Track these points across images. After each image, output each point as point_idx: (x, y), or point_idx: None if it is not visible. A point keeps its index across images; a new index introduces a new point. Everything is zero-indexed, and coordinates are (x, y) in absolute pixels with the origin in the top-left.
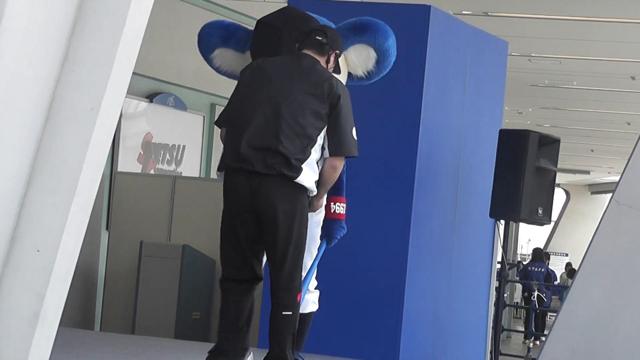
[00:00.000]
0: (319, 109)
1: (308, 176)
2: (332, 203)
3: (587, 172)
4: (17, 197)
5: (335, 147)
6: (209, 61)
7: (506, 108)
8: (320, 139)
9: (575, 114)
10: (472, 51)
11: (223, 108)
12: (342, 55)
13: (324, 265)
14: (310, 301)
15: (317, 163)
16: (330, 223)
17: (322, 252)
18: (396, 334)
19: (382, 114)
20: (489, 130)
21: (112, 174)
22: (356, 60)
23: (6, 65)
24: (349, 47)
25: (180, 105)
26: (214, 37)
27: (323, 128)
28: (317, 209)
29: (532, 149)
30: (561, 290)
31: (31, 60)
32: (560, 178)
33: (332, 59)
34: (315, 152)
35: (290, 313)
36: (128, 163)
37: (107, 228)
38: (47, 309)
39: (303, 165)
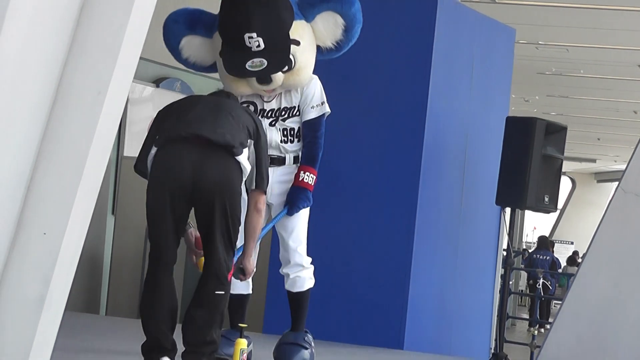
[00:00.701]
0: (250, 121)
1: (245, 160)
2: (301, 172)
3: (593, 161)
4: (24, 181)
5: (261, 179)
6: (177, 53)
7: (513, 96)
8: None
9: (582, 102)
10: (480, 38)
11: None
12: (310, 27)
13: (329, 251)
14: (307, 277)
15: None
16: (295, 191)
17: (279, 218)
18: (401, 321)
19: (389, 101)
20: (495, 117)
21: (118, 159)
22: (324, 29)
23: (13, 49)
24: (316, 16)
25: (186, 90)
26: (180, 25)
27: (250, 140)
28: (250, 273)
29: (539, 137)
30: (562, 278)
31: (38, 44)
32: (566, 166)
33: None
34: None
35: (223, 292)
36: (134, 148)
37: (112, 213)
38: (53, 293)
39: (243, 150)
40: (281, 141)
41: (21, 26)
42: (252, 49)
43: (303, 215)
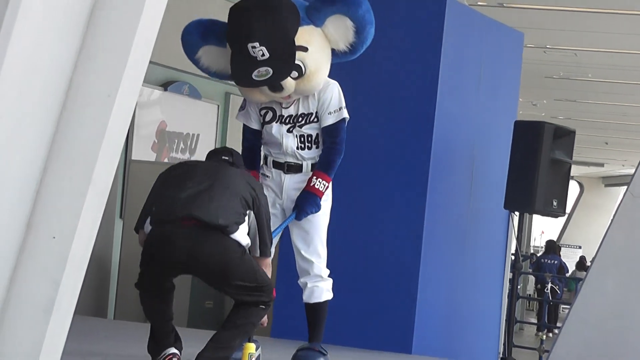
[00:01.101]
0: (249, 191)
1: (243, 235)
2: (314, 177)
3: (601, 165)
4: (34, 184)
5: (265, 246)
6: (196, 63)
7: (520, 100)
8: (246, 220)
9: (590, 106)
10: (488, 42)
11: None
12: (321, 31)
13: (336, 255)
14: (324, 289)
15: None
16: (305, 195)
17: (286, 223)
18: (409, 325)
19: (397, 104)
20: (504, 121)
21: (126, 162)
22: (335, 33)
23: (23, 51)
24: (325, 20)
25: (194, 93)
26: (194, 37)
27: (249, 211)
28: (264, 324)
29: (547, 141)
30: (570, 282)
31: (48, 46)
32: (574, 170)
33: None
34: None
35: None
36: (142, 151)
37: (121, 216)
38: (62, 296)
39: (239, 226)
40: (297, 148)
41: (32, 28)
42: (257, 58)
43: (322, 226)
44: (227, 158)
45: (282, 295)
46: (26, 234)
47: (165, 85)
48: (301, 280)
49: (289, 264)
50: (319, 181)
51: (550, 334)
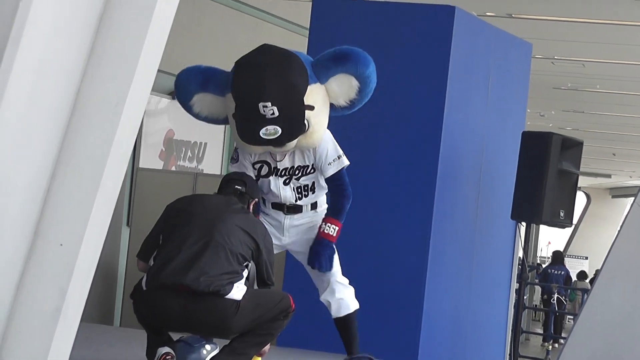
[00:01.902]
0: (248, 243)
1: (239, 291)
2: (324, 223)
3: (609, 176)
4: (41, 191)
5: (265, 286)
6: (189, 108)
7: (528, 110)
8: (245, 274)
9: (598, 118)
10: (496, 53)
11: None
12: (324, 87)
13: (344, 264)
14: (350, 299)
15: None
16: (317, 245)
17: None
18: (415, 334)
19: (405, 114)
20: (511, 132)
21: (133, 170)
22: (338, 90)
23: (33, 59)
24: (330, 77)
25: None
26: (192, 83)
27: (248, 263)
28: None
29: (555, 152)
30: (572, 293)
31: (57, 54)
32: (581, 181)
33: (251, 207)
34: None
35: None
36: (150, 159)
37: (128, 224)
38: (69, 303)
39: (234, 284)
40: (296, 199)
41: (41, 36)
42: (267, 117)
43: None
44: (240, 188)
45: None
46: (33, 241)
47: (173, 94)
48: (323, 298)
49: (295, 271)
50: (328, 226)
51: (557, 345)
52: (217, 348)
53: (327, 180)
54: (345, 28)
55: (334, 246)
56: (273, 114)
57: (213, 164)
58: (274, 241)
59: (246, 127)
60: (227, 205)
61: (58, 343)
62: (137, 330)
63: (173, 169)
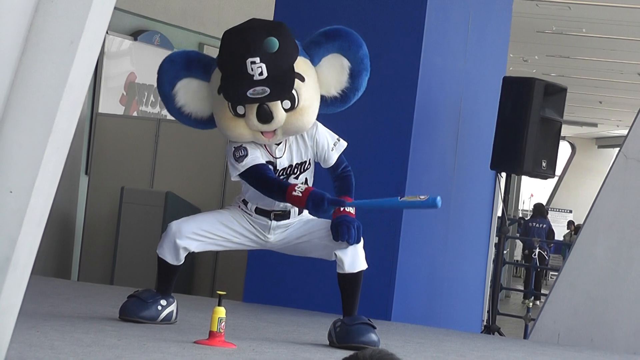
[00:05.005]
0: None
1: None
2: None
3: (595, 125)
4: None
5: None
6: (172, 98)
7: (511, 55)
8: None
9: (584, 63)
10: None
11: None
12: (315, 71)
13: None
14: (363, 256)
15: None
16: (345, 217)
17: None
18: (389, 291)
19: (380, 57)
20: (492, 77)
21: (92, 116)
22: (329, 74)
23: None
24: (322, 59)
25: (166, 44)
26: (177, 66)
27: None
28: None
29: (537, 98)
30: (563, 248)
31: None
32: (565, 130)
33: None
34: None
35: None
36: (110, 104)
37: (86, 173)
38: (19, 254)
39: None
40: None
41: None
42: (254, 77)
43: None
44: None
45: (254, 261)
46: None
47: (135, 35)
48: (337, 252)
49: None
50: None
51: (538, 302)
52: (174, 302)
53: (331, 168)
54: None
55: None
56: (261, 73)
57: None
58: (255, 239)
59: (233, 88)
60: None
61: (8, 294)
62: (95, 285)
63: (134, 114)
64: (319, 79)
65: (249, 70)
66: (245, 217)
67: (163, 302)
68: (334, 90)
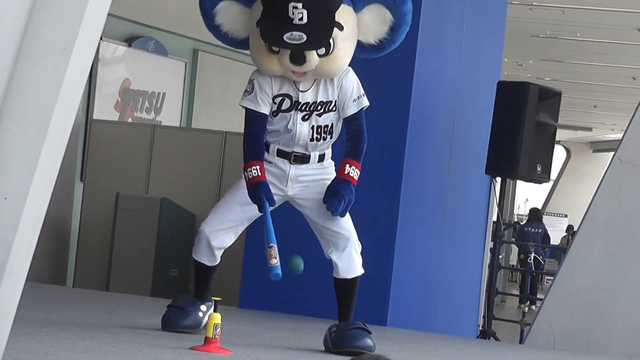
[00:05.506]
0: None
1: None
2: (347, 165)
3: (589, 129)
4: None
5: None
6: (211, 17)
7: (505, 59)
8: None
9: (578, 67)
10: None
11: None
12: (356, 18)
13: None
14: (360, 262)
15: None
16: (341, 182)
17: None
18: (384, 296)
19: (374, 62)
20: (486, 81)
21: (87, 122)
22: (370, 23)
23: None
24: (364, 7)
25: (161, 50)
26: None
27: None
28: None
29: (532, 103)
30: (558, 253)
31: None
32: (560, 135)
33: None
34: None
35: None
36: (105, 111)
37: (81, 179)
38: (14, 259)
39: None
40: (311, 139)
41: None
42: (294, 21)
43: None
44: None
45: (250, 267)
46: None
47: (130, 41)
48: (332, 255)
49: (258, 233)
50: (353, 169)
51: (533, 307)
52: (212, 306)
53: (347, 120)
54: None
55: (354, 193)
56: (301, 19)
57: (172, 115)
58: (276, 191)
59: (271, 28)
60: None
61: (2, 301)
62: (90, 291)
63: (129, 120)
64: (358, 25)
65: (290, 14)
66: (267, 169)
67: (203, 307)
68: (372, 38)
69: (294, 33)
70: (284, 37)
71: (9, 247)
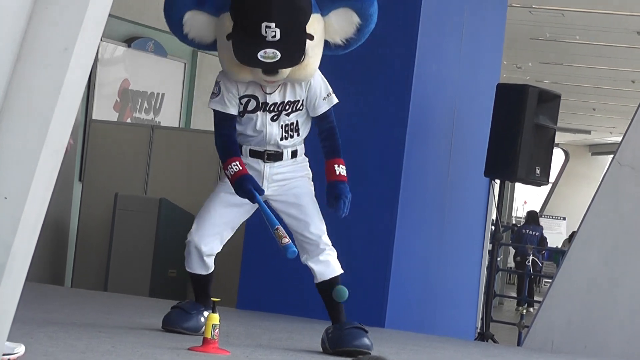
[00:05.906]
0: None
1: None
2: (335, 165)
3: (588, 132)
4: None
5: None
6: (178, 27)
7: (504, 62)
8: None
9: (577, 70)
10: (470, 0)
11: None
12: (323, 21)
13: None
14: (336, 261)
15: None
16: (339, 184)
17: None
18: (383, 298)
19: (374, 64)
20: (486, 84)
21: (86, 122)
22: (337, 25)
23: None
24: (331, 11)
25: (160, 50)
26: None
27: None
28: None
29: (531, 105)
30: (556, 255)
31: None
32: (559, 138)
33: None
34: None
35: None
36: (104, 111)
37: (80, 179)
38: (14, 259)
39: None
40: (281, 138)
41: None
42: (267, 39)
43: (314, 201)
44: None
45: (248, 268)
46: None
47: (129, 42)
48: (308, 261)
49: (256, 234)
50: (341, 167)
51: (531, 309)
52: None
53: (318, 119)
54: None
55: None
56: (274, 36)
57: (171, 115)
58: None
59: (244, 48)
60: None
61: (3, 300)
62: (89, 291)
63: (128, 121)
64: (325, 28)
65: (263, 32)
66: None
67: (206, 313)
68: (338, 39)
69: (268, 51)
70: (258, 55)
71: (9, 247)
